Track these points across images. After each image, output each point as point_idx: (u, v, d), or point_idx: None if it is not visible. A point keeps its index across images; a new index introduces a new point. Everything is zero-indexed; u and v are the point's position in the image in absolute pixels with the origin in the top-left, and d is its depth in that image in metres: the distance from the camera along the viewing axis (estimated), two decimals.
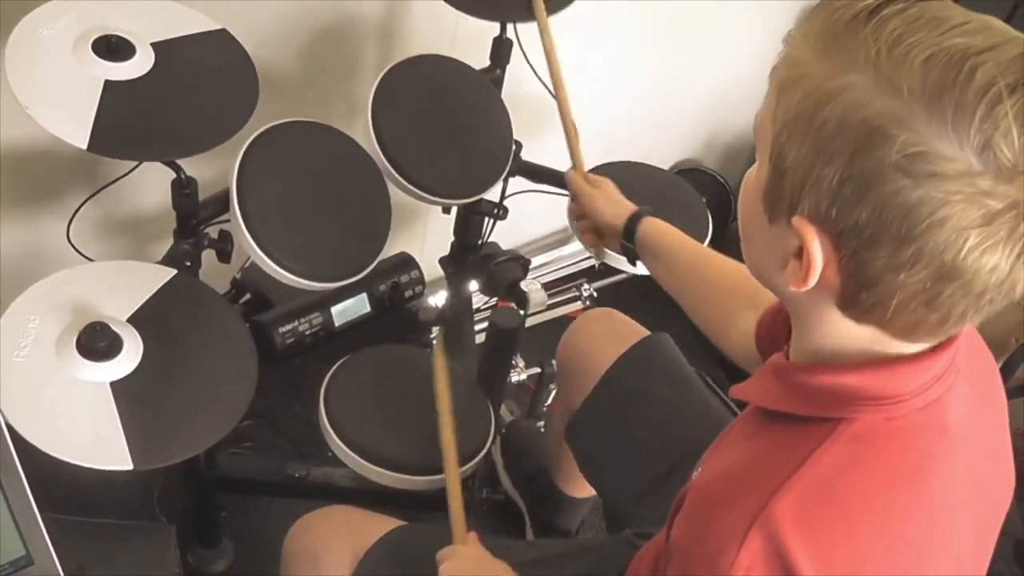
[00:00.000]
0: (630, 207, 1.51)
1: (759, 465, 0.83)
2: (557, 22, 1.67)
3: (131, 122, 1.28)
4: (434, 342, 1.57)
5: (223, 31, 1.44)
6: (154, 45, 1.35)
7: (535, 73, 1.72)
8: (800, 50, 0.77)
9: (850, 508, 0.79)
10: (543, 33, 1.64)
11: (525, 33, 1.74)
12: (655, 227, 1.46)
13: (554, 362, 1.97)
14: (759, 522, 0.76)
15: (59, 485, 1.17)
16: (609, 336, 1.61)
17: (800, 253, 0.78)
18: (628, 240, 1.48)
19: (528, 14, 1.67)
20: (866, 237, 0.73)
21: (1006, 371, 2.24)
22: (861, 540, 0.79)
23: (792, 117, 0.76)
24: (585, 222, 1.59)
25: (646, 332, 1.61)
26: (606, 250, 1.65)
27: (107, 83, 1.29)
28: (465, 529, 1.32)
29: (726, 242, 2.75)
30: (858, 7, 0.74)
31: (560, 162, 1.91)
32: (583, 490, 1.83)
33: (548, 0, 1.67)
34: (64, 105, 1.25)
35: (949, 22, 0.71)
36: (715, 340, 1.34)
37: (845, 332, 0.81)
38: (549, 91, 1.68)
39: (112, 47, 1.30)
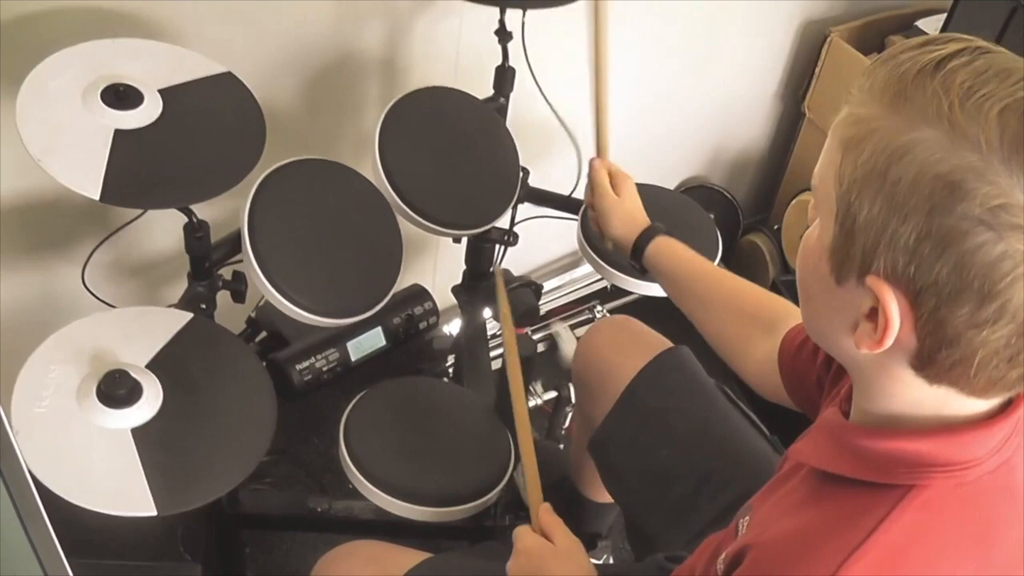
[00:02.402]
0: (642, 224, 1.49)
1: (826, 530, 0.81)
2: (558, 47, 1.68)
3: (142, 170, 1.30)
4: (497, 286, 1.52)
5: (228, 74, 1.45)
6: (162, 91, 1.37)
7: (542, 94, 1.73)
8: (864, 107, 0.76)
9: (922, 574, 0.78)
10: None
11: (534, 55, 1.75)
12: (665, 248, 1.45)
13: (571, 384, 1.98)
14: None
15: (83, 530, 1.17)
16: (626, 347, 1.60)
17: (872, 314, 0.77)
18: (636, 259, 1.47)
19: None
20: (946, 294, 0.71)
21: None
22: None
23: (862, 175, 0.74)
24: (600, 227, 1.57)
25: (665, 340, 1.60)
26: (616, 272, 1.65)
27: (117, 132, 1.30)
28: (541, 499, 1.32)
29: (736, 256, 2.78)
30: (923, 60, 0.73)
31: (566, 185, 1.92)
32: (606, 496, 1.83)
33: None
34: (76, 156, 1.27)
35: (1018, 73, 0.70)
36: (730, 363, 1.34)
37: (916, 394, 0.80)
38: (554, 112, 1.67)
39: (121, 95, 1.32)
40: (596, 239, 1.64)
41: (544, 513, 1.28)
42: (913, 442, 0.80)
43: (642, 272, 1.50)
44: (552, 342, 2.34)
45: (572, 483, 1.87)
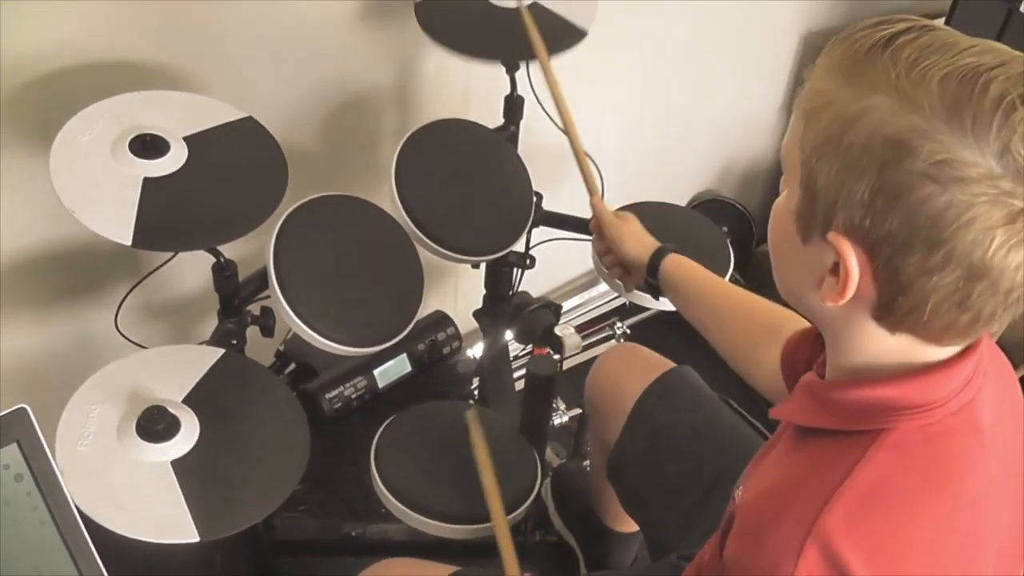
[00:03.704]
0: (654, 243, 1.53)
1: (805, 480, 0.86)
2: (566, 66, 1.72)
3: (171, 215, 1.35)
4: (470, 424, 1.58)
5: (249, 118, 1.51)
6: (186, 139, 1.42)
7: (550, 118, 1.77)
8: (823, 81, 0.83)
9: (897, 514, 0.83)
10: (545, 71, 1.63)
11: (537, 81, 1.79)
12: (678, 264, 1.48)
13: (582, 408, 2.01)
14: (812, 535, 0.80)
15: (129, 561, 1.21)
16: (631, 372, 1.63)
17: (835, 268, 0.82)
18: (652, 276, 1.51)
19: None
20: (899, 244, 0.77)
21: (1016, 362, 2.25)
22: (910, 543, 0.83)
23: (821, 141, 0.81)
24: (610, 257, 1.61)
25: (669, 363, 1.63)
26: (632, 283, 1.69)
27: (146, 180, 1.36)
28: (519, 572, 1.34)
29: (751, 267, 2.80)
30: (875, 38, 0.79)
31: (579, 207, 1.96)
32: (630, 525, 1.86)
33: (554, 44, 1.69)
34: (107, 205, 1.32)
35: (958, 46, 0.77)
36: (741, 373, 1.38)
37: (880, 343, 0.85)
38: (561, 129, 1.70)
39: (147, 145, 1.37)
40: (613, 282, 1.68)
41: None
42: (879, 389, 0.85)
43: (656, 292, 1.54)
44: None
45: (597, 515, 1.90)
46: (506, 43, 1.72)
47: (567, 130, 1.63)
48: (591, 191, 1.63)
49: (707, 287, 1.47)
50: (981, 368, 0.88)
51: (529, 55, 1.66)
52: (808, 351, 1.18)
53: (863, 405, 0.86)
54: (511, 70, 1.78)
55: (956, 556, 0.86)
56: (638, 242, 1.55)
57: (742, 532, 0.90)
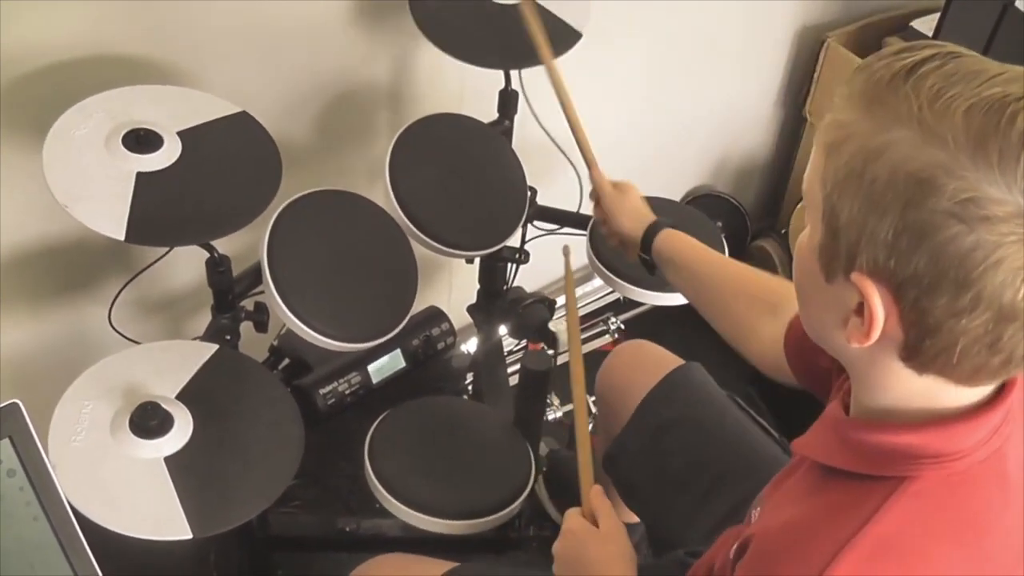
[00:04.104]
0: (649, 218, 1.52)
1: (822, 522, 0.84)
2: (561, 61, 1.72)
3: (164, 210, 1.35)
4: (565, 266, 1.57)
5: (243, 113, 1.51)
6: (180, 133, 1.42)
7: (539, 123, 1.78)
8: (843, 112, 0.79)
9: (912, 565, 0.81)
10: (541, 48, 1.62)
11: (529, 82, 1.80)
12: (672, 238, 1.48)
13: (588, 396, 2.01)
14: None
15: (122, 558, 1.21)
16: (642, 368, 1.64)
17: (860, 309, 0.80)
18: (645, 252, 1.51)
19: (533, 59, 1.70)
20: (925, 285, 0.74)
21: None
22: None
23: (842, 177, 0.78)
24: (608, 228, 1.62)
25: (678, 360, 1.64)
26: (625, 283, 1.70)
27: (139, 175, 1.35)
28: (591, 481, 1.33)
29: (745, 262, 2.78)
30: (896, 67, 0.76)
31: (573, 202, 1.97)
32: (630, 516, 1.86)
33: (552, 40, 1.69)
34: (100, 200, 1.32)
35: (985, 74, 0.74)
36: (736, 346, 1.36)
37: (907, 384, 0.83)
38: (550, 137, 1.71)
39: (141, 140, 1.37)
40: (608, 250, 1.68)
41: (594, 495, 1.30)
42: (904, 435, 0.83)
43: (651, 267, 1.53)
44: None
45: None
46: (504, 46, 1.72)
47: (565, 109, 1.62)
48: (590, 163, 1.63)
49: (702, 260, 1.46)
50: (1011, 415, 0.86)
51: (527, 62, 1.66)
52: (828, 357, 1.15)
53: (887, 450, 0.84)
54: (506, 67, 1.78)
55: None
56: (634, 216, 1.55)
57: (754, 564, 0.89)
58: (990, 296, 0.73)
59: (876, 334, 0.79)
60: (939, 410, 0.83)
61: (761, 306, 1.32)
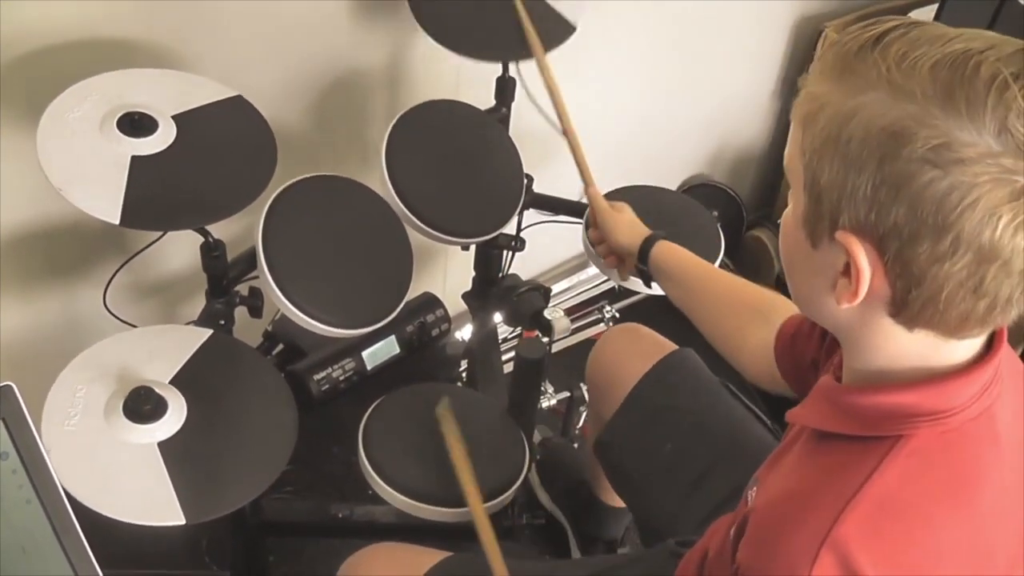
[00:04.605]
0: (645, 232, 1.55)
1: (821, 485, 0.86)
2: (558, 50, 1.72)
3: (159, 194, 1.34)
4: (442, 420, 1.58)
5: (239, 97, 1.50)
6: (175, 117, 1.42)
7: (539, 108, 1.77)
8: (816, 85, 0.83)
9: (913, 522, 0.82)
10: (542, 68, 1.67)
11: (527, 69, 1.79)
12: (667, 250, 1.51)
13: (583, 384, 2.01)
14: (828, 542, 0.80)
15: (115, 542, 1.21)
16: (635, 352, 1.65)
17: (847, 270, 0.82)
18: (642, 263, 1.53)
19: (526, 52, 1.71)
20: (906, 235, 0.76)
21: None
22: (926, 551, 0.82)
23: (819, 143, 0.81)
24: (604, 247, 1.64)
25: (672, 345, 1.64)
26: (626, 272, 1.70)
27: (134, 159, 1.35)
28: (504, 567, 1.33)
29: (741, 251, 2.81)
30: (864, 37, 0.80)
31: (569, 190, 1.96)
32: (620, 502, 1.86)
33: (544, 38, 1.71)
34: (95, 184, 1.31)
35: (947, 36, 0.77)
36: (728, 357, 1.38)
37: (898, 343, 0.85)
38: (553, 124, 1.71)
39: (136, 123, 1.36)
40: (605, 271, 1.70)
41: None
42: (898, 394, 0.85)
43: (648, 279, 1.55)
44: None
45: (589, 487, 1.90)
46: (501, 39, 1.72)
47: (563, 124, 1.66)
48: (587, 182, 1.65)
49: (695, 272, 1.49)
50: (999, 374, 0.88)
51: (523, 54, 1.66)
52: (814, 348, 1.17)
53: (882, 411, 0.86)
54: None
55: (970, 565, 0.85)
56: (630, 231, 1.58)
57: (757, 537, 0.89)
58: (969, 237, 0.75)
59: (864, 289, 0.81)
60: (931, 368, 0.85)
61: (753, 315, 1.34)
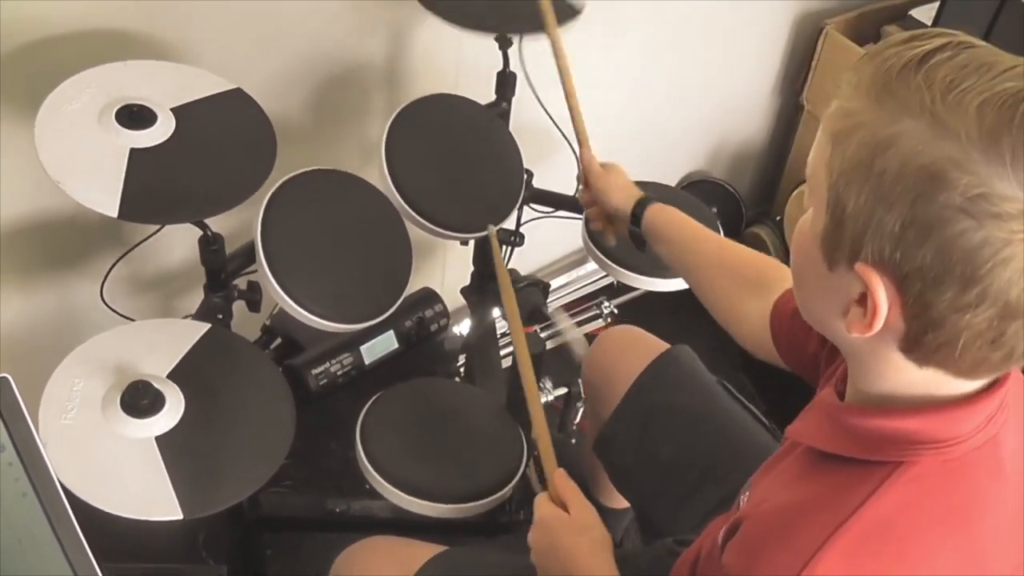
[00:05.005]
0: (638, 193, 1.52)
1: (815, 504, 0.84)
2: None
3: (157, 187, 1.34)
4: (491, 244, 1.57)
5: (238, 90, 1.49)
6: (174, 110, 1.41)
7: (540, 104, 1.77)
8: (852, 100, 0.78)
9: (905, 550, 0.81)
10: (548, 26, 1.63)
11: (529, 58, 1.78)
12: (662, 212, 1.48)
13: (580, 381, 2.01)
14: (813, 563, 0.79)
15: (112, 536, 1.21)
16: (631, 352, 1.64)
17: (862, 299, 0.79)
18: (635, 224, 1.50)
19: (531, 26, 1.69)
20: (930, 279, 0.74)
21: None
22: None
23: (849, 166, 0.77)
24: (595, 209, 1.61)
25: (666, 345, 1.64)
26: (619, 268, 1.69)
27: (132, 151, 1.34)
28: (555, 466, 1.33)
29: None
30: (908, 56, 0.75)
31: (569, 186, 1.96)
32: (620, 501, 1.86)
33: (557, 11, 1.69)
34: (93, 176, 1.31)
35: (998, 67, 0.73)
36: (723, 323, 1.36)
37: (906, 375, 0.82)
38: (551, 118, 1.71)
39: (134, 116, 1.36)
40: (598, 236, 1.69)
41: (559, 480, 1.30)
42: (902, 420, 0.83)
43: (641, 242, 1.53)
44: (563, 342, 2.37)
45: (587, 488, 1.90)
46: (501, 13, 1.70)
47: (565, 83, 1.62)
48: (582, 142, 1.63)
49: (692, 234, 1.46)
50: (1006, 402, 0.86)
51: (523, 28, 1.64)
52: (816, 341, 1.13)
53: (884, 435, 0.84)
54: (504, 46, 1.77)
55: None
56: (623, 192, 1.55)
57: (744, 545, 0.88)
58: (996, 293, 0.72)
59: (878, 325, 0.79)
60: (937, 396, 0.83)
61: (749, 284, 1.32)
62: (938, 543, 0.82)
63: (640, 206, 1.49)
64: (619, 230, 1.59)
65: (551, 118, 1.73)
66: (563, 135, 1.81)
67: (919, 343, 0.79)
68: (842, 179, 0.77)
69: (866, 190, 0.75)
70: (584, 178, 1.61)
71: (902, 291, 0.76)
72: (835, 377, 0.96)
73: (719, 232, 1.82)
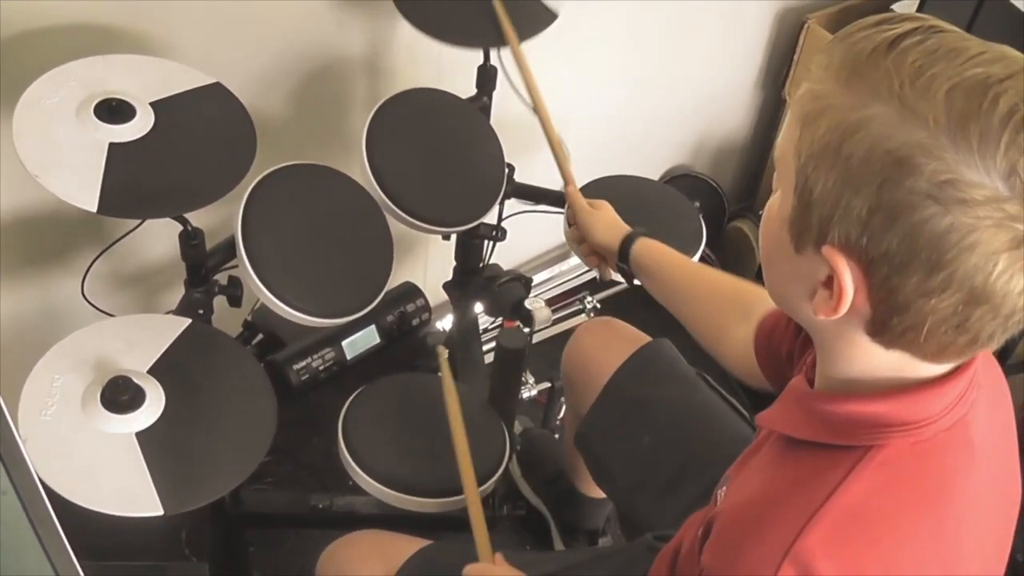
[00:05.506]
0: (625, 230, 1.54)
1: (787, 494, 0.84)
2: (541, 39, 1.72)
3: (137, 182, 1.33)
4: (441, 363, 1.59)
5: (217, 84, 1.49)
6: (153, 104, 1.40)
7: (520, 98, 1.76)
8: (821, 83, 0.78)
9: (880, 534, 0.81)
10: (520, 65, 1.67)
11: (509, 57, 1.78)
12: (647, 248, 1.49)
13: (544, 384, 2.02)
14: (791, 555, 0.78)
15: (93, 533, 1.20)
16: (610, 345, 1.64)
17: (829, 282, 0.80)
18: (623, 262, 1.52)
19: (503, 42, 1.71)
20: (896, 264, 0.74)
21: (1006, 350, 2.27)
22: (892, 564, 0.81)
23: (818, 149, 0.77)
24: (585, 246, 1.62)
25: (646, 338, 1.64)
26: (609, 269, 1.69)
27: (111, 146, 1.34)
28: (491, 550, 1.33)
29: (723, 243, 2.81)
30: (878, 39, 0.75)
31: (551, 180, 1.96)
32: (600, 492, 1.87)
33: (519, 30, 1.70)
34: (72, 171, 1.30)
35: (967, 52, 0.73)
36: (711, 351, 1.38)
37: (873, 358, 0.83)
38: (532, 111, 1.71)
39: (113, 110, 1.35)
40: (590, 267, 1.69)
41: (498, 565, 1.30)
42: (871, 404, 0.83)
43: (630, 277, 1.54)
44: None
45: (568, 479, 1.90)
46: (480, 26, 1.71)
47: (542, 120, 1.65)
48: (566, 180, 1.64)
49: (677, 268, 1.47)
50: (975, 381, 0.86)
51: (502, 41, 1.65)
52: (790, 339, 1.16)
53: (853, 420, 0.84)
54: None
55: (940, 573, 0.84)
56: (610, 229, 1.56)
57: (721, 542, 0.88)
58: (961, 278, 0.73)
59: (844, 308, 0.79)
60: (904, 379, 0.84)
61: (734, 310, 1.33)
62: (911, 526, 0.82)
63: (627, 242, 1.50)
64: (611, 265, 1.60)
65: (533, 113, 1.72)
66: (544, 131, 1.81)
67: (885, 326, 0.79)
68: (810, 162, 0.78)
69: (834, 174, 0.76)
70: (572, 216, 1.63)
71: (868, 275, 0.77)
72: (805, 365, 0.97)
73: (703, 229, 1.83)
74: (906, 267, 0.74)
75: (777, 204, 0.85)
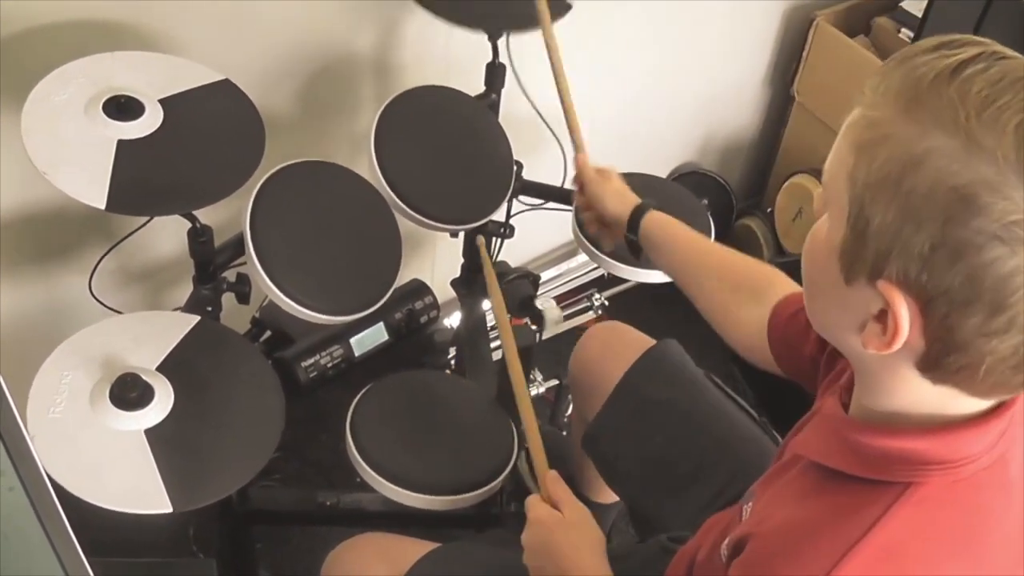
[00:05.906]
0: (635, 200, 1.52)
1: (823, 525, 0.83)
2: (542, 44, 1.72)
3: (146, 179, 1.33)
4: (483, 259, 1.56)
5: (226, 81, 1.49)
6: (162, 101, 1.40)
7: (527, 96, 1.77)
8: (878, 109, 0.75)
9: (915, 570, 0.80)
10: (545, 29, 1.64)
11: (517, 54, 1.78)
12: (658, 220, 1.47)
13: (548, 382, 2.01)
14: None
15: (101, 530, 1.20)
16: (617, 349, 1.63)
17: (881, 315, 0.77)
18: (632, 233, 1.49)
19: (520, 23, 1.70)
20: (958, 304, 0.72)
21: None
22: None
23: (875, 180, 0.74)
24: (590, 214, 1.61)
25: (652, 341, 1.63)
26: (610, 260, 1.69)
27: (120, 143, 1.33)
28: (547, 468, 1.32)
29: (731, 240, 2.80)
30: (939, 66, 0.72)
31: (559, 177, 1.96)
32: (608, 496, 1.86)
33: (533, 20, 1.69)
34: (81, 168, 1.30)
35: None
36: (720, 331, 1.35)
37: (918, 393, 0.81)
38: (537, 112, 1.71)
39: (122, 107, 1.35)
40: (593, 238, 1.68)
41: (551, 483, 1.29)
42: (912, 441, 0.81)
43: (637, 250, 1.53)
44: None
45: (575, 484, 1.90)
46: (493, 9, 1.69)
47: (559, 86, 1.62)
48: (577, 147, 1.63)
49: (688, 243, 1.45)
50: (1015, 420, 0.84)
51: (512, 24, 1.64)
52: (813, 345, 1.12)
53: (892, 455, 0.82)
54: (493, 37, 1.76)
55: None
56: (619, 199, 1.54)
57: (752, 563, 0.87)
58: None
59: (899, 345, 0.77)
60: (946, 415, 0.82)
61: (746, 292, 1.31)
62: (947, 563, 0.81)
63: (637, 214, 1.48)
64: (615, 235, 1.58)
65: (539, 114, 1.72)
66: (550, 130, 1.81)
67: (939, 364, 0.77)
68: (867, 192, 0.75)
69: (893, 207, 0.73)
70: (579, 183, 1.61)
71: (926, 312, 0.74)
72: (839, 386, 0.94)
73: (711, 227, 1.82)
74: (967, 307, 0.72)
75: (825, 230, 0.82)
